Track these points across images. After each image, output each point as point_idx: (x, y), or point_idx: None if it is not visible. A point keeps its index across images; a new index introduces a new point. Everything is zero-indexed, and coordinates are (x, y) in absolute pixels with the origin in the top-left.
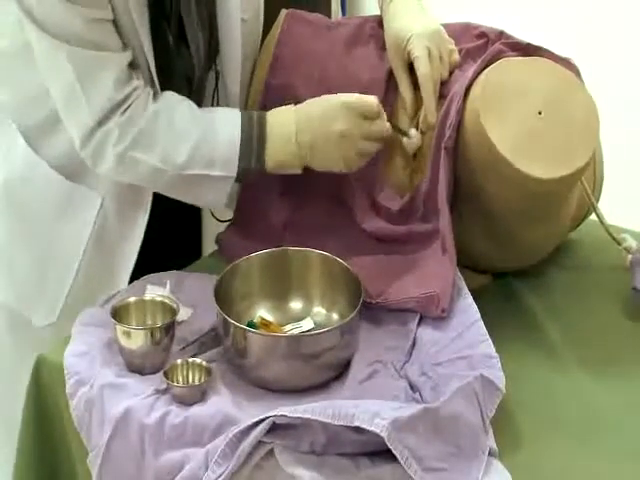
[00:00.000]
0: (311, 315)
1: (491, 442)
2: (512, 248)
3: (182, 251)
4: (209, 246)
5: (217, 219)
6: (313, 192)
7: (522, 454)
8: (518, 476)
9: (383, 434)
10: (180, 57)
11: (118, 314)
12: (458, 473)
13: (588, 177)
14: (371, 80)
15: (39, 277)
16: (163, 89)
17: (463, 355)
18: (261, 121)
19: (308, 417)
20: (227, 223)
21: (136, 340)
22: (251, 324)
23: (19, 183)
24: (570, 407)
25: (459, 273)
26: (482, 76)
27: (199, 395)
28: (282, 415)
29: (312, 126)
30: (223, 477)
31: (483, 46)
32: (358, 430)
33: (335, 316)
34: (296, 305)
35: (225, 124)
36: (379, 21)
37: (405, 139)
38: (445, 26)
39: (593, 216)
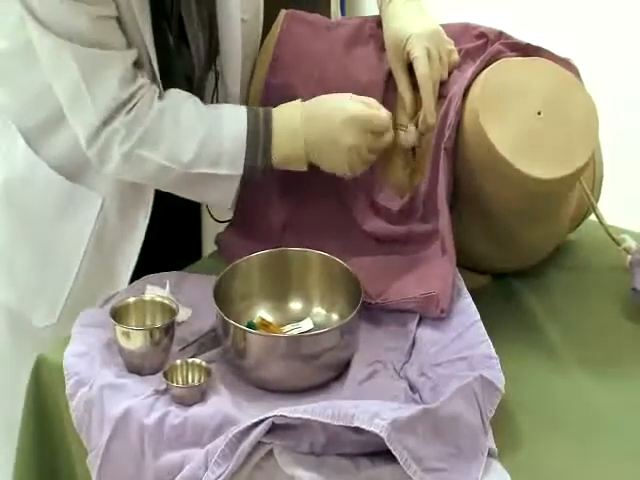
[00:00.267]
0: (311, 316)
1: (491, 443)
2: (512, 248)
3: (182, 252)
4: (209, 246)
5: (216, 220)
6: (312, 192)
7: (522, 454)
8: (518, 476)
9: (383, 434)
10: (180, 57)
11: (118, 314)
12: (458, 474)
13: (587, 177)
14: (370, 80)
15: (39, 277)
16: (164, 89)
17: (463, 356)
18: (267, 117)
19: (308, 417)
20: (227, 224)
21: (136, 340)
22: (251, 325)
23: (19, 184)
24: (570, 407)
25: (459, 274)
26: (481, 76)
27: (199, 395)
28: (282, 415)
29: (318, 131)
30: (223, 477)
31: (482, 46)
32: (358, 430)
33: (335, 317)
34: (296, 306)
35: (231, 120)
36: (378, 21)
37: (402, 133)
38: (444, 26)
39: (593, 216)
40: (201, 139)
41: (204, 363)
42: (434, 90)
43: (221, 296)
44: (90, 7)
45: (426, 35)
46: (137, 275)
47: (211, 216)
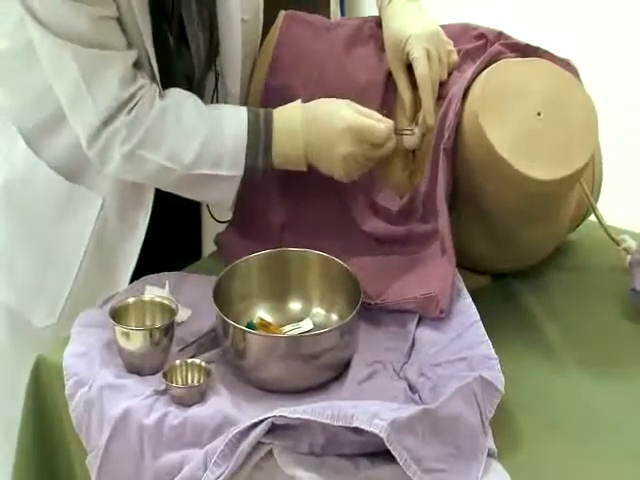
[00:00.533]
0: (310, 316)
1: (490, 443)
2: (511, 249)
3: (182, 252)
4: (209, 247)
5: (216, 220)
6: (312, 193)
7: (521, 455)
8: (517, 477)
9: (382, 435)
10: (180, 57)
11: (117, 315)
12: (457, 474)
13: (587, 178)
14: (370, 81)
15: (39, 278)
16: (163, 89)
17: (462, 356)
18: (267, 117)
19: (307, 418)
20: (227, 224)
21: (135, 341)
22: (250, 325)
23: (19, 184)
24: (569, 408)
25: (458, 274)
26: (481, 77)
27: (198, 396)
28: (281, 416)
29: (318, 135)
30: (222, 478)
31: (482, 47)
32: (357, 431)
33: (334, 317)
34: (295, 306)
35: (232, 120)
36: (378, 22)
37: (406, 138)
38: (444, 27)
39: (592, 217)
40: (202, 140)
41: (204, 363)
42: (433, 91)
43: (221, 296)
44: (91, 8)
45: (425, 36)
46: (137, 275)
47: (211, 216)
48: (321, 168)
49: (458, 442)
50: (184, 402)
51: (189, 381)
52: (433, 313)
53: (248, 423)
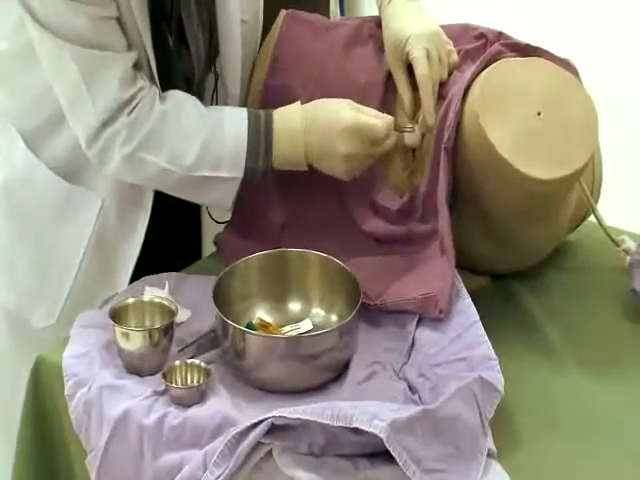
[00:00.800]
0: (310, 316)
1: (490, 443)
2: (511, 249)
3: (182, 252)
4: (209, 247)
5: (215, 221)
6: (312, 192)
7: (521, 455)
8: (517, 477)
9: (382, 435)
10: (180, 58)
11: (117, 315)
12: (457, 474)
13: (587, 178)
14: (370, 81)
15: (39, 279)
16: (163, 91)
17: (462, 356)
18: (268, 119)
19: (307, 418)
20: (226, 224)
21: (135, 341)
22: (250, 325)
23: (19, 185)
24: (569, 408)
25: (458, 275)
26: (481, 77)
27: (198, 396)
28: (281, 416)
29: (318, 136)
30: (222, 478)
31: (482, 47)
32: (357, 431)
33: (334, 317)
34: (295, 306)
35: (232, 122)
36: (378, 22)
37: (407, 135)
38: (444, 27)
39: (592, 217)
40: (203, 142)
41: (203, 364)
42: (434, 91)
43: (220, 297)
44: (90, 7)
45: (425, 36)
46: (137, 276)
47: (211, 217)
48: (322, 168)
49: (458, 443)
50: (184, 402)
51: (189, 381)
52: (432, 313)
53: (248, 423)
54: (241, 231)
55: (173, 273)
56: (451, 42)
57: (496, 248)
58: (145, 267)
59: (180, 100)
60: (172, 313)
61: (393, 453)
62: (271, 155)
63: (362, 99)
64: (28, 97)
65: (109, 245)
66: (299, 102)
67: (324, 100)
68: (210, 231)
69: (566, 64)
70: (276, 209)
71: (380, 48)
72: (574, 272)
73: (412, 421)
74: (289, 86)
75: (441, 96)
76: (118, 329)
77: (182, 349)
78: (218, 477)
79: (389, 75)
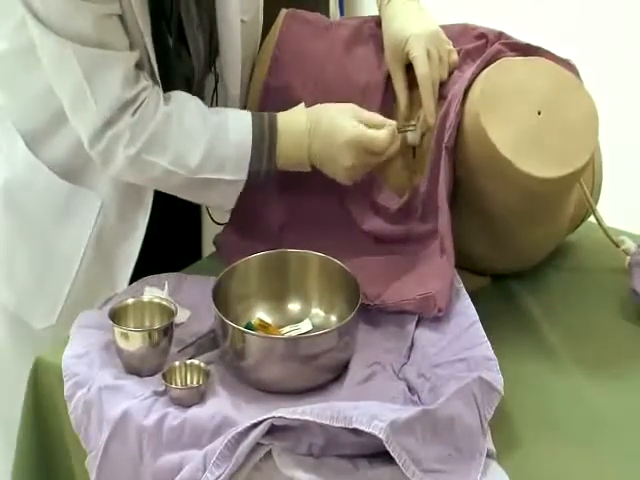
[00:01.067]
0: (309, 317)
1: (489, 444)
2: (511, 249)
3: (182, 253)
4: (209, 248)
5: (215, 221)
6: (311, 192)
7: (520, 456)
8: (516, 478)
9: (381, 436)
10: (180, 59)
11: (116, 316)
12: (456, 475)
13: (587, 178)
14: (370, 81)
15: (39, 279)
16: (164, 91)
17: (461, 357)
18: (272, 121)
19: (306, 419)
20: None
21: (134, 342)
22: (249, 326)
23: (19, 185)
24: (569, 409)
25: (457, 275)
26: (482, 76)
27: (197, 397)
28: (280, 417)
29: (322, 143)
30: (221, 479)
31: (482, 47)
32: (356, 432)
33: (333, 318)
34: (294, 307)
35: (236, 124)
36: (378, 22)
37: (410, 134)
38: (444, 27)
39: (592, 218)
40: (208, 144)
41: (203, 364)
42: (434, 91)
43: (220, 297)
44: (93, 5)
45: (425, 36)
46: (137, 276)
47: (211, 218)
48: (325, 171)
49: (457, 443)
50: (183, 403)
51: (188, 382)
52: (431, 312)
53: (247, 424)
54: (240, 231)
55: (173, 273)
56: (451, 42)
57: (496, 248)
58: (145, 267)
59: (183, 101)
60: (172, 313)
61: (393, 454)
62: (274, 158)
63: (362, 99)
64: (28, 97)
65: (109, 245)
66: (303, 104)
67: (327, 105)
68: (210, 231)
69: (567, 64)
70: (275, 209)
71: (380, 48)
72: (574, 272)
73: (412, 422)
74: (289, 86)
75: (441, 96)
76: (118, 329)
77: (182, 349)
78: (218, 477)
79: (389, 75)
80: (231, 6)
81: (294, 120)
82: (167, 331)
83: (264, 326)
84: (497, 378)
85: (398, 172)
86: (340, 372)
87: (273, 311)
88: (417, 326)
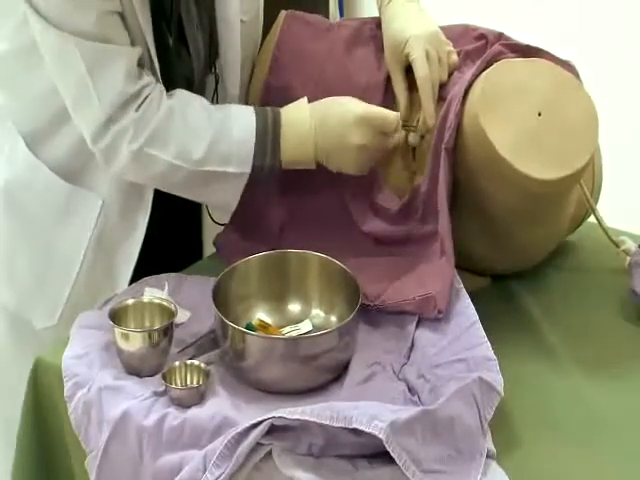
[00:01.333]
0: (309, 317)
1: (489, 444)
2: (511, 249)
3: (182, 253)
4: (209, 248)
5: (216, 222)
6: (311, 193)
7: (520, 456)
8: (516, 478)
9: (381, 436)
10: (180, 59)
11: (116, 316)
12: (456, 475)
13: (587, 179)
14: (370, 82)
15: (39, 279)
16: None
17: (461, 357)
18: (275, 115)
19: (306, 419)
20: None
21: (134, 342)
22: (249, 326)
23: (20, 186)
24: (569, 409)
25: (457, 276)
26: (481, 77)
27: (197, 397)
28: (280, 417)
29: (329, 133)
30: (221, 479)
31: (482, 48)
32: (356, 432)
33: (333, 318)
34: (294, 307)
35: (240, 117)
36: (378, 23)
37: (411, 134)
38: (444, 28)
39: (592, 218)
40: (212, 137)
41: (203, 365)
42: (434, 92)
43: (220, 298)
44: (96, 1)
45: (425, 36)
46: (138, 277)
47: (211, 218)
48: (330, 164)
49: (457, 443)
50: (183, 403)
51: (188, 382)
52: (431, 313)
53: (247, 424)
54: (241, 232)
55: (173, 274)
56: (450, 43)
57: (496, 248)
58: (146, 268)
59: (186, 98)
60: (172, 314)
61: (393, 454)
62: (279, 152)
63: (362, 100)
64: (29, 98)
65: (110, 245)
66: (305, 99)
67: (330, 98)
68: (211, 231)
69: (567, 65)
70: (276, 210)
71: (381, 49)
72: (574, 272)
73: (412, 422)
74: (289, 86)
75: (441, 97)
76: (118, 330)
77: (182, 350)
78: (218, 478)
79: (390, 76)
80: (231, 6)
81: (297, 110)
82: (167, 331)
83: (264, 326)
84: (497, 378)
85: (398, 173)
86: (340, 372)
87: (273, 311)
88: (417, 326)
